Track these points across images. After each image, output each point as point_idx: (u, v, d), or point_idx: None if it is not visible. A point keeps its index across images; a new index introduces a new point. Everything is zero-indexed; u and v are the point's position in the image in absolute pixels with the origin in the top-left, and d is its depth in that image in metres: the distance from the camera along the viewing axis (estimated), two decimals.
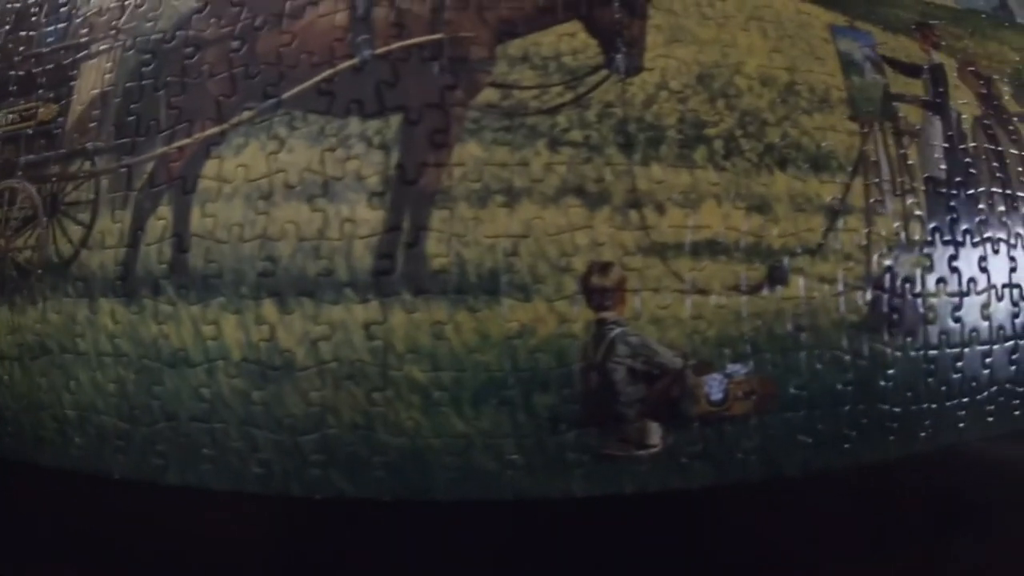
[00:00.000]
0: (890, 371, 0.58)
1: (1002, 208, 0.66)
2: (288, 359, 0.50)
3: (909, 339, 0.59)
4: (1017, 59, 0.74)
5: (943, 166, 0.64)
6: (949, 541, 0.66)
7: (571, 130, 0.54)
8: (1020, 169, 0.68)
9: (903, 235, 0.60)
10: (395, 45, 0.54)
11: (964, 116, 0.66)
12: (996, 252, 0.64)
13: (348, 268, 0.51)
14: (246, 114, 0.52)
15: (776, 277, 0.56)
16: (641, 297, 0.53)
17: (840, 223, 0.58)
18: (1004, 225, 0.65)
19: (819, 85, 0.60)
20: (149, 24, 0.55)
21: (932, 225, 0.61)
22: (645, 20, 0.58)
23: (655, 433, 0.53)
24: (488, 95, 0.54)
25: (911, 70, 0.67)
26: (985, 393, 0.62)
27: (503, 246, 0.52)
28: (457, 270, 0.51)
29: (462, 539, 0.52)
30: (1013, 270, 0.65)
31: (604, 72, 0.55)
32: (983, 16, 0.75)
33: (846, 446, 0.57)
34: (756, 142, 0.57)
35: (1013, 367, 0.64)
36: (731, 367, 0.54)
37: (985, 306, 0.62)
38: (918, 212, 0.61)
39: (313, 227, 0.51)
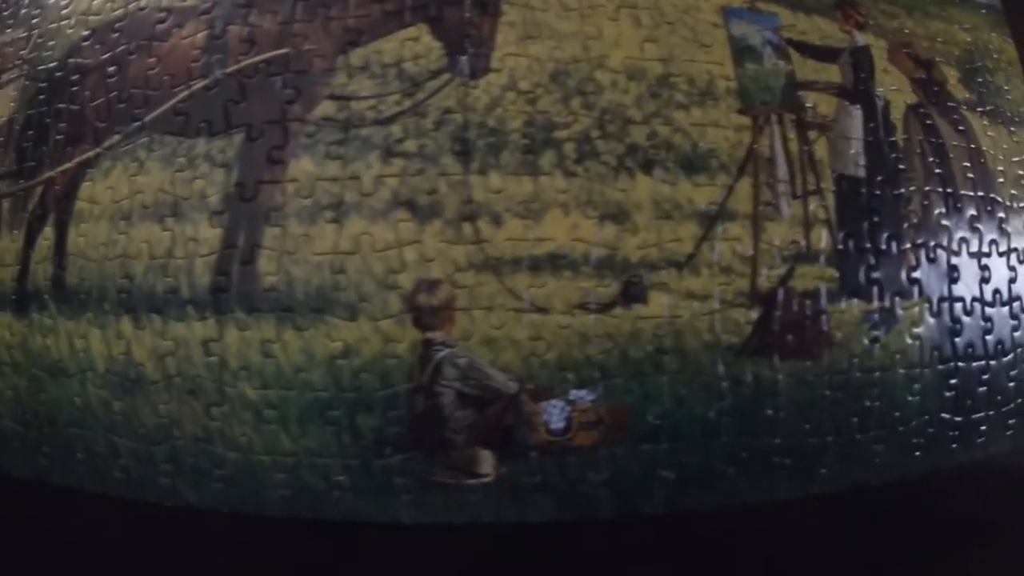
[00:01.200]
0: (779, 399, 0.32)
1: (941, 209, 0.37)
2: (141, 372, 0.34)
3: (808, 363, 0.33)
4: (968, 39, 0.43)
5: (861, 162, 0.36)
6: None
7: (406, 140, 0.33)
8: (967, 164, 0.38)
9: (803, 243, 0.33)
10: (244, 63, 0.35)
11: (893, 104, 0.38)
12: (932, 260, 0.35)
13: (190, 286, 0.34)
14: (115, 138, 0.36)
15: (632, 294, 0.32)
16: (472, 316, 0.31)
17: (718, 231, 0.33)
18: (943, 229, 0.36)
19: (701, 76, 0.34)
20: (47, 54, 0.39)
21: (844, 231, 0.34)
22: (497, 18, 0.34)
23: (486, 462, 0.32)
24: (325, 108, 0.34)
25: (826, 54, 0.38)
26: (912, 424, 0.34)
27: (330, 263, 0.32)
28: (286, 288, 0.33)
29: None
30: (954, 281, 0.36)
31: (446, 76, 0.34)
32: None
33: (723, 483, 0.33)
34: (616, 143, 0.33)
35: (950, 394, 0.35)
36: (575, 393, 0.31)
37: (914, 323, 0.35)
38: (824, 216, 0.34)
39: (163, 246, 0.34)
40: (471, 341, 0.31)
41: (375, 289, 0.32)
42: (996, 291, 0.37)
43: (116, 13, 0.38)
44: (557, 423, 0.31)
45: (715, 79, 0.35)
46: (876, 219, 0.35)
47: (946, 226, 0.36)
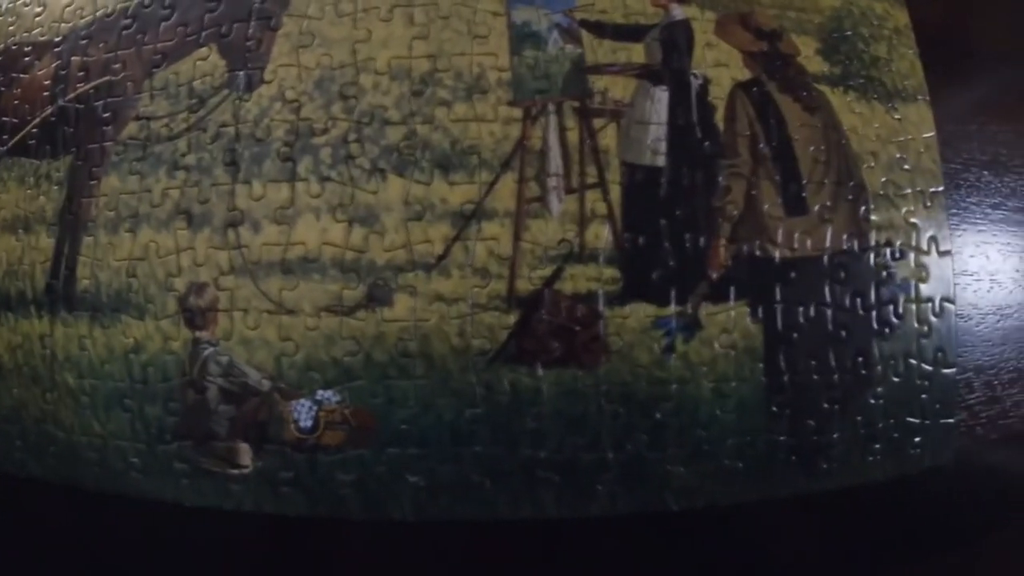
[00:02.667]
0: (542, 409, 0.31)
1: (774, 200, 0.31)
2: (1, 362, 0.40)
3: (580, 372, 0.30)
4: (836, 4, 0.36)
5: (662, 149, 0.32)
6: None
7: (188, 154, 0.36)
8: (819, 147, 0.33)
9: (576, 241, 0.31)
10: (79, 90, 0.39)
11: (715, 83, 0.33)
12: (756, 258, 0.30)
13: (32, 288, 0.39)
14: None
15: (376, 297, 0.32)
16: (231, 317, 0.33)
17: (472, 231, 0.32)
18: (775, 222, 0.31)
19: (470, 69, 0.33)
20: None
21: (631, 227, 0.31)
22: (276, 31, 0.36)
23: (245, 454, 0.33)
24: (131, 128, 0.37)
25: (628, 33, 0.35)
26: (725, 444, 0.30)
27: (126, 268, 0.36)
28: (95, 290, 0.37)
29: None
30: (788, 282, 0.30)
31: (225, 92, 0.36)
32: None
33: (477, 494, 0.31)
34: (372, 146, 0.33)
35: (780, 412, 0.30)
36: (321, 393, 0.32)
37: (727, 331, 0.30)
38: (605, 211, 0.31)
39: (15, 255, 0.39)
40: (231, 341, 0.33)
41: (157, 292, 0.35)
42: (854, 293, 0.31)
43: None
44: (305, 422, 0.32)
45: (486, 71, 0.33)
46: (677, 212, 0.31)
47: (779, 218, 0.32)
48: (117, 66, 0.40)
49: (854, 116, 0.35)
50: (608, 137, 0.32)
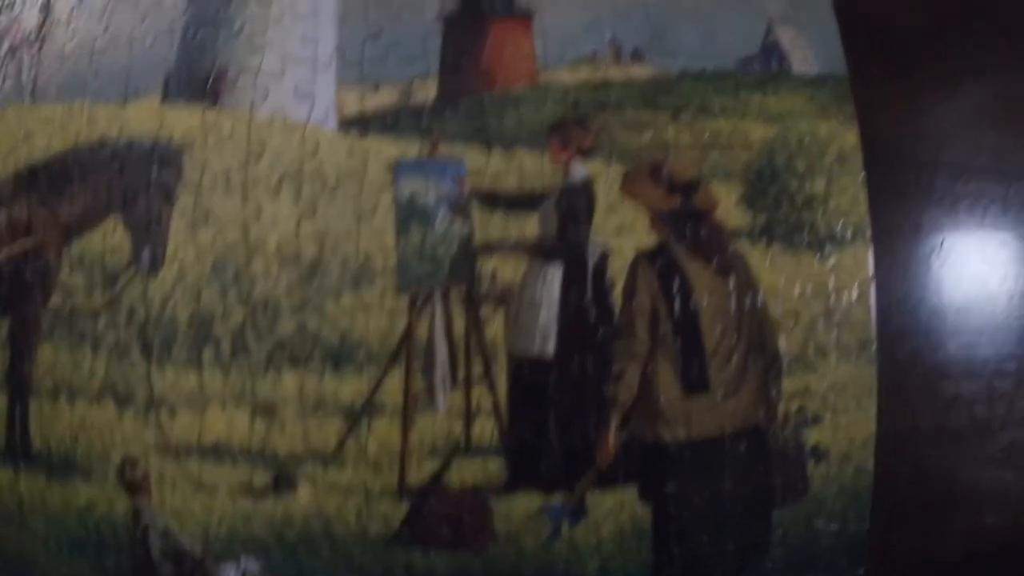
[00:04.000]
0: None
1: (673, 382, 0.29)
2: None
3: (470, 555, 0.31)
4: (771, 134, 0.32)
5: (552, 336, 0.31)
6: None
7: (107, 332, 0.37)
8: (732, 316, 0.31)
9: (463, 436, 0.31)
10: (6, 252, 0.40)
11: (616, 253, 0.32)
12: (649, 444, 0.29)
13: None
14: None
15: (281, 484, 0.34)
16: (162, 491, 0.36)
17: (363, 426, 0.32)
18: (672, 405, 0.29)
19: (356, 255, 0.33)
20: None
21: (517, 420, 0.31)
22: (172, 206, 0.36)
23: None
24: (56, 300, 0.38)
25: (522, 202, 0.32)
26: None
27: (69, 435, 0.38)
28: (46, 451, 0.39)
29: None
30: (678, 467, 0.28)
31: (132, 270, 0.36)
32: (728, 76, 0.33)
33: None
34: (267, 337, 0.34)
35: None
36: (245, 560, 0.35)
37: (614, 514, 0.29)
38: (491, 405, 0.31)
39: None
40: (165, 511, 0.37)
41: (97, 462, 0.38)
42: (757, 469, 0.28)
43: None
44: None
45: (372, 256, 0.33)
46: (566, 404, 0.31)
47: (676, 400, 0.30)
48: (37, 228, 0.42)
49: (775, 273, 0.32)
50: (495, 326, 0.32)
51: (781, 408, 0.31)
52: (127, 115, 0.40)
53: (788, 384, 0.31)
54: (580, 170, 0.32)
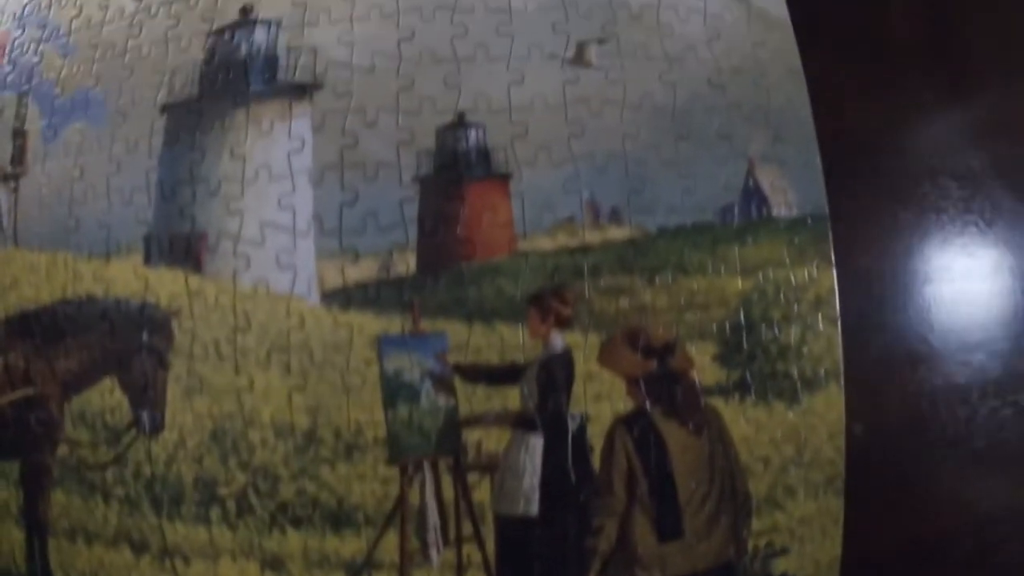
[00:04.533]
0: None
1: (649, 531, 0.32)
2: None
3: None
4: (748, 285, 0.33)
5: (535, 498, 0.34)
6: None
7: (116, 486, 0.39)
8: (705, 471, 0.33)
9: None
10: (5, 398, 0.41)
11: (594, 419, 0.33)
12: None
13: (19, 573, 0.44)
14: None
15: None
16: None
17: None
18: (646, 553, 0.31)
19: (348, 427, 0.34)
20: None
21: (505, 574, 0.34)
22: (166, 371, 0.37)
23: None
24: (63, 450, 0.40)
25: (503, 376, 0.34)
26: None
27: (89, 571, 0.41)
28: None
29: None
30: None
31: (134, 431, 0.38)
32: (707, 229, 0.33)
33: None
34: (269, 500, 0.36)
35: None
36: None
37: None
38: (479, 561, 0.33)
39: None
40: None
41: None
42: None
43: None
44: None
45: (363, 428, 0.34)
46: (549, 557, 0.33)
47: (652, 546, 0.33)
48: (36, 379, 0.43)
49: (747, 425, 0.34)
50: (482, 491, 0.34)
51: (750, 544, 0.33)
52: (111, 273, 0.40)
53: (757, 523, 0.34)
54: (559, 341, 0.33)
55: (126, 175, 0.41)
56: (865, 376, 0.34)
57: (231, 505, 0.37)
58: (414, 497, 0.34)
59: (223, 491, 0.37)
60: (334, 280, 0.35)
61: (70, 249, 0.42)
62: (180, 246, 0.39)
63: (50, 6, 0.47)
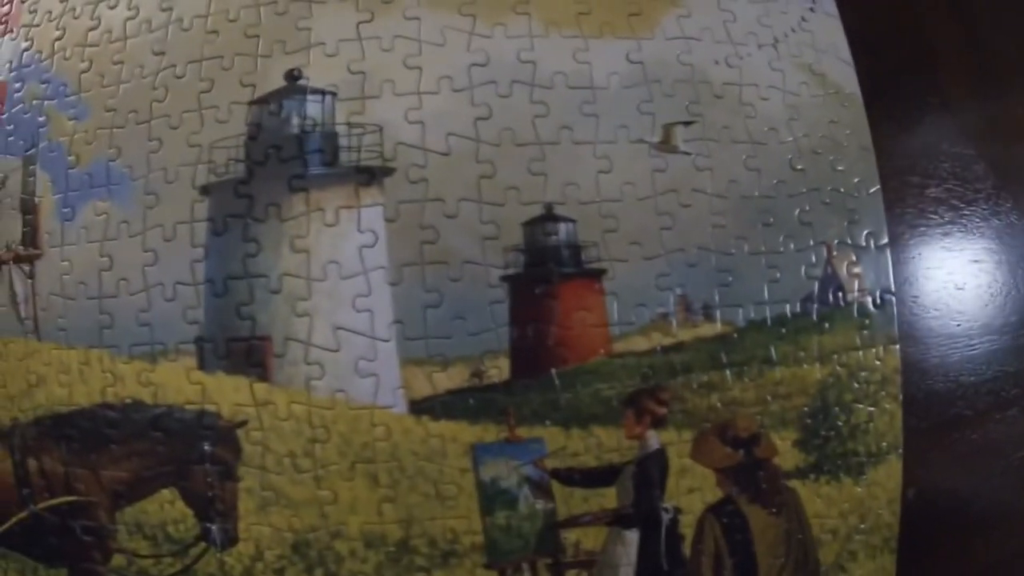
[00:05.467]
0: None
1: None
2: None
3: None
4: (826, 373, 0.35)
5: None
6: None
7: None
8: (783, 548, 0.35)
9: None
10: (46, 504, 0.38)
11: (686, 511, 0.34)
12: None
13: None
14: None
15: None
16: None
17: None
18: None
19: (443, 535, 0.34)
20: None
21: None
22: (236, 483, 0.35)
23: None
24: (118, 560, 0.37)
25: (600, 478, 0.34)
26: None
27: None
28: None
29: None
30: None
31: (203, 545, 0.36)
32: (790, 320, 0.34)
33: None
34: None
35: None
36: None
37: None
38: None
39: None
40: None
41: None
42: None
43: None
44: None
45: (459, 536, 0.34)
46: None
47: None
48: (79, 486, 0.39)
49: (820, 501, 0.37)
50: None
51: None
52: (160, 378, 0.36)
53: None
54: (654, 440, 0.34)
55: (166, 267, 0.37)
56: (918, 444, 0.38)
57: None
58: None
59: None
60: (422, 388, 0.33)
61: (105, 347, 0.38)
62: (240, 350, 0.36)
63: (52, 56, 0.40)
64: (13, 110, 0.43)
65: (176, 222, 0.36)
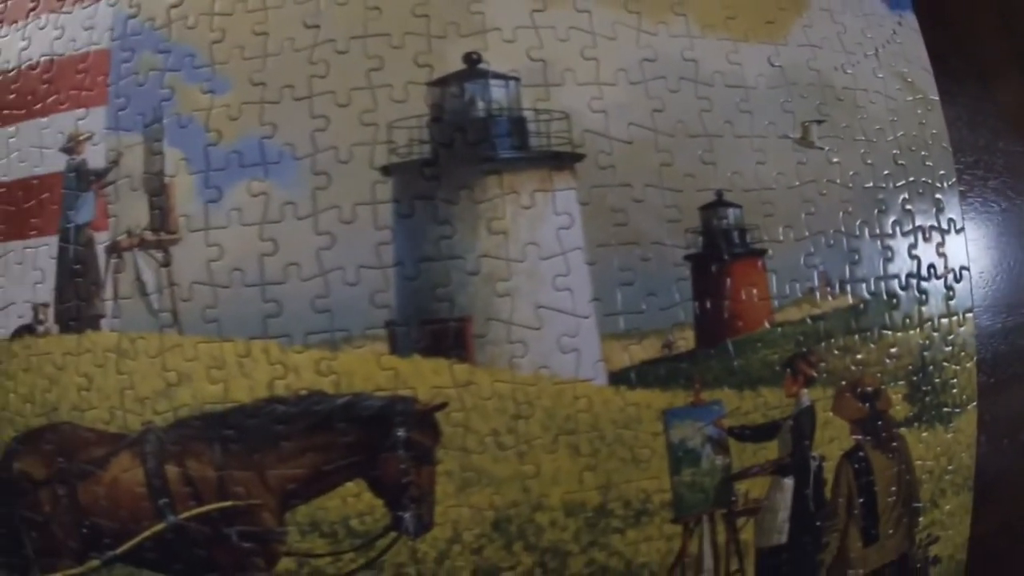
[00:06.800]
0: None
1: (857, 541, 0.41)
2: None
3: None
4: (925, 339, 0.42)
5: (785, 529, 0.41)
6: None
7: None
8: (893, 489, 0.43)
9: None
10: (192, 512, 0.37)
11: (828, 458, 0.41)
12: None
13: None
14: (95, 563, 0.38)
15: None
16: None
17: None
18: (854, 557, 0.41)
19: (637, 496, 0.38)
20: None
21: None
22: (434, 467, 0.36)
23: None
24: (287, 564, 0.37)
25: (765, 432, 0.40)
26: None
27: None
28: None
29: None
30: None
31: (393, 535, 0.36)
32: (899, 294, 0.42)
33: None
34: (558, 574, 0.38)
35: None
36: None
37: None
38: None
39: None
40: None
41: None
42: None
43: (40, 420, 0.37)
44: None
45: (650, 496, 0.38)
46: (794, 572, 0.41)
47: (858, 551, 0.42)
48: (238, 489, 0.36)
49: (921, 446, 0.45)
50: (747, 532, 0.40)
51: (919, 538, 0.46)
52: (343, 366, 0.36)
53: (923, 520, 0.45)
54: (806, 398, 0.40)
55: (345, 250, 0.36)
56: (986, 397, 0.48)
57: None
58: (693, 547, 0.39)
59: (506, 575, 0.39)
60: (620, 360, 0.36)
61: (271, 338, 0.36)
62: (438, 333, 0.36)
63: (168, 24, 0.37)
64: (122, 82, 0.39)
65: (355, 203, 0.35)
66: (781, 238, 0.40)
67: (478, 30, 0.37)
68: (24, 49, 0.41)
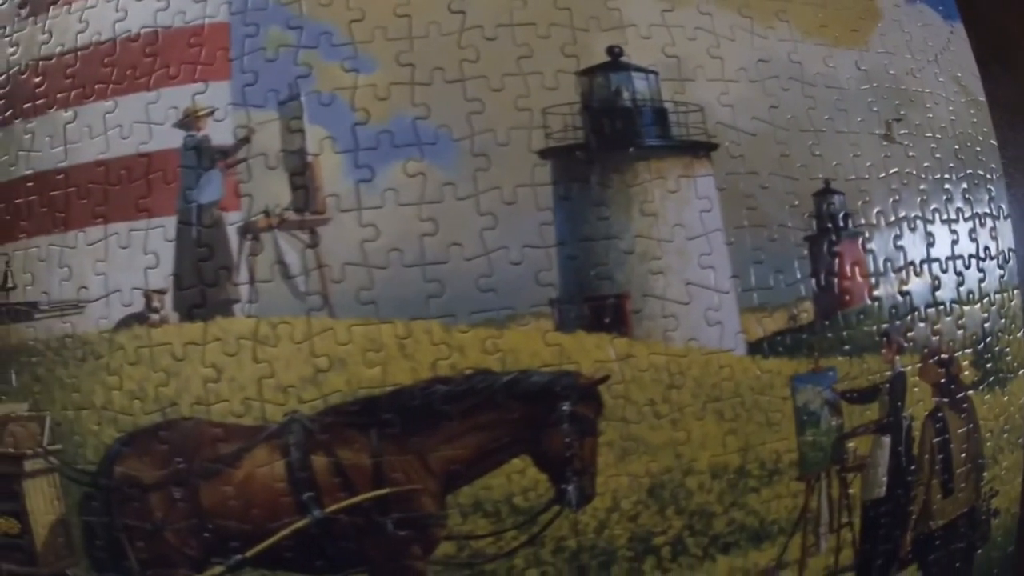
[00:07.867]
0: None
1: (938, 493, 0.47)
2: None
3: None
4: (986, 312, 0.50)
5: (884, 483, 0.47)
6: None
7: (528, 569, 0.40)
8: (965, 445, 0.50)
9: (834, 565, 0.44)
10: (343, 504, 0.37)
11: (915, 419, 0.47)
12: (929, 543, 0.47)
13: None
14: (218, 568, 0.37)
15: None
16: None
17: None
18: (936, 509, 0.47)
19: (770, 456, 0.42)
20: (78, 451, 0.37)
21: (865, 549, 0.45)
22: (596, 438, 0.39)
23: None
24: (446, 548, 0.38)
25: (869, 395, 0.46)
26: None
27: None
28: None
29: None
30: (937, 543, 0.47)
31: (556, 508, 0.39)
32: (963, 272, 0.49)
33: None
34: (702, 537, 0.42)
35: None
36: None
37: None
38: (852, 539, 0.45)
39: None
40: None
41: None
42: (971, 538, 0.51)
43: (153, 418, 0.36)
44: None
45: (780, 456, 0.42)
46: (888, 526, 0.47)
47: (937, 503, 0.49)
48: (396, 475, 0.37)
49: (985, 408, 0.52)
50: (855, 486, 0.45)
51: (983, 491, 0.53)
52: (510, 343, 0.37)
53: (987, 475, 0.52)
54: (898, 364, 0.46)
55: (509, 230, 0.38)
56: None
57: (666, 551, 0.41)
58: (813, 502, 0.44)
59: (659, 540, 0.41)
60: (755, 331, 0.41)
61: (434, 318, 0.36)
62: (599, 309, 0.38)
63: (296, 0, 0.37)
64: (246, 57, 0.38)
65: (516, 185, 0.37)
66: (875, 222, 0.47)
67: (617, 25, 0.41)
68: (119, 20, 0.40)
